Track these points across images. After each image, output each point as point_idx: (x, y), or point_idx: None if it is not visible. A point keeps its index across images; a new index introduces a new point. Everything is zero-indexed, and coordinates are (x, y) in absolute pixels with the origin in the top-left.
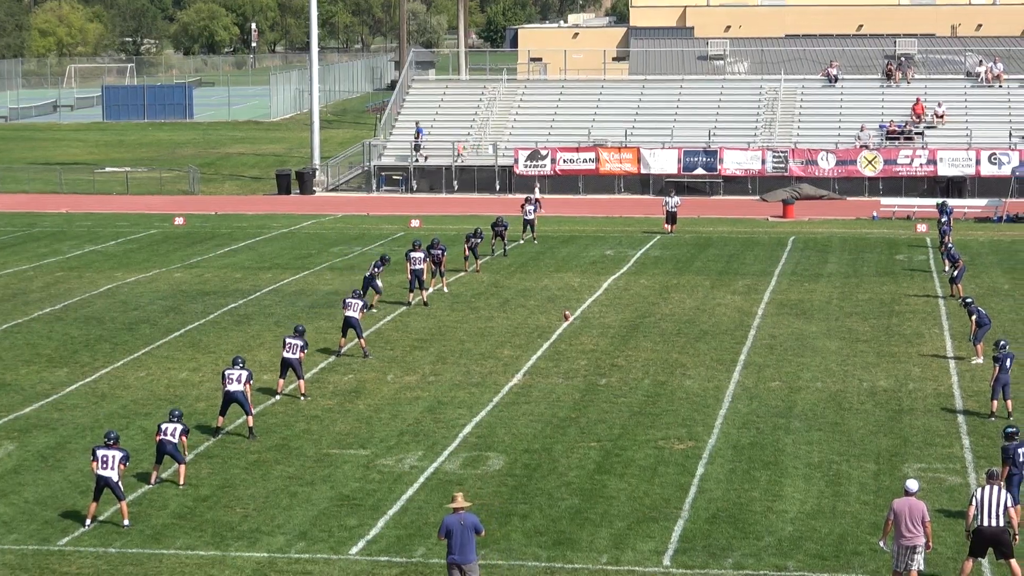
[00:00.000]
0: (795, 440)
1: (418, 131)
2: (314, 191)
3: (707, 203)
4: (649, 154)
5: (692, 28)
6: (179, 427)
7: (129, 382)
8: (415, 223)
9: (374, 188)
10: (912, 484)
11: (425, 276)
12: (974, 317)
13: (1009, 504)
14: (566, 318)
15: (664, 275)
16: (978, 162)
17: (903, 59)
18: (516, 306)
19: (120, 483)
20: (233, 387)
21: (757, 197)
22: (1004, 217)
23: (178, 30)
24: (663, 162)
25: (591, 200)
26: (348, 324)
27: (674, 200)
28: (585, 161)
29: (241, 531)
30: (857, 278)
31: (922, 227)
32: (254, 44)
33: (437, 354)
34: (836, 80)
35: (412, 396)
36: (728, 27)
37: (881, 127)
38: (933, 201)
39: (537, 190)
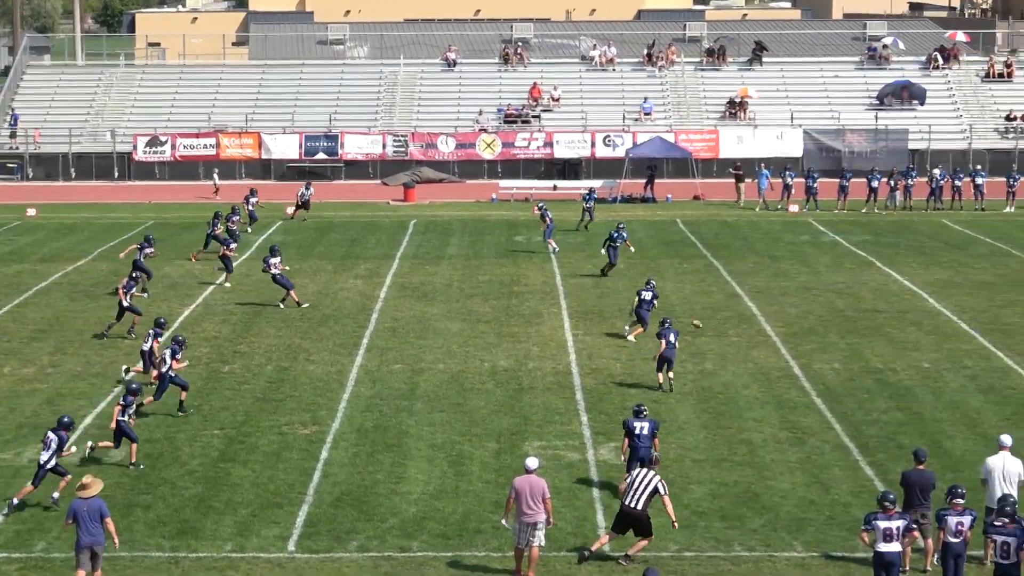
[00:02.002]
0: (418, 422)
1: (14, 118)
2: None
3: (329, 187)
4: (270, 139)
5: (312, 13)
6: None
7: None
8: (31, 212)
9: None
10: (532, 462)
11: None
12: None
13: (661, 491)
14: (696, 327)
15: (287, 260)
16: (593, 144)
17: (520, 43)
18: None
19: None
20: None
21: (378, 181)
22: (619, 198)
23: None
24: (284, 147)
25: (211, 186)
26: None
27: (309, 192)
28: (206, 147)
29: None
30: (478, 260)
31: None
32: None
33: (55, 345)
34: (455, 64)
35: (30, 388)
36: (348, 12)
37: (499, 110)
38: (550, 183)
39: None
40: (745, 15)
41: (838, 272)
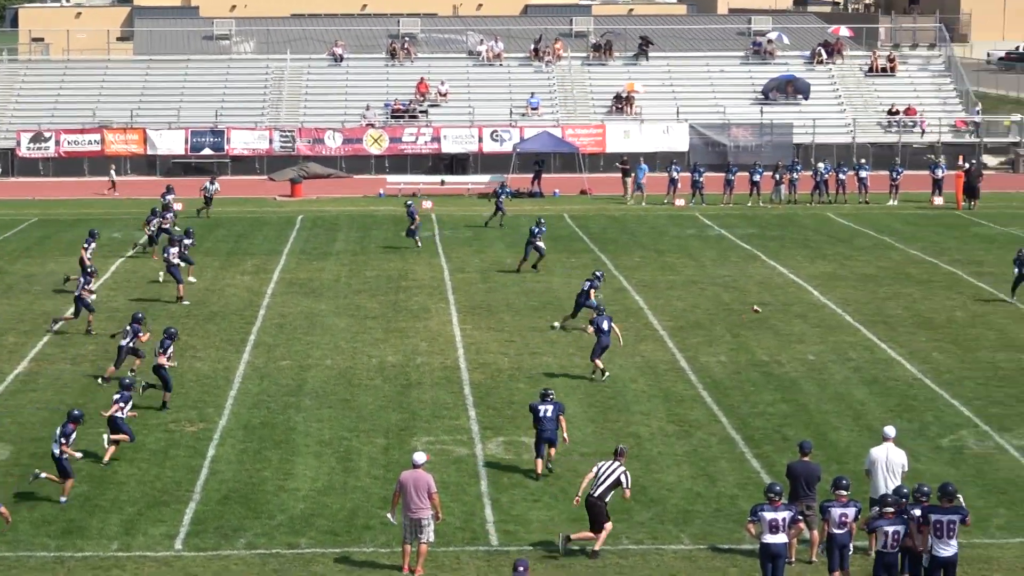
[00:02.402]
0: (306, 418)
1: None
2: None
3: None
4: (156, 135)
5: (197, 8)
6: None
7: None
8: None
9: None
10: (419, 456)
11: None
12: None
13: (623, 483)
14: (755, 311)
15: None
16: (481, 139)
17: (407, 38)
18: (20, 292)
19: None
20: None
21: (265, 176)
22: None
23: None
24: (170, 143)
25: (99, 182)
26: None
27: (214, 187)
28: (90, 143)
29: None
30: (365, 255)
31: (427, 203)
32: None
33: None
34: (341, 59)
35: None
36: (233, 7)
37: (386, 106)
38: (437, 178)
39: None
40: (631, 10)
41: (724, 265)
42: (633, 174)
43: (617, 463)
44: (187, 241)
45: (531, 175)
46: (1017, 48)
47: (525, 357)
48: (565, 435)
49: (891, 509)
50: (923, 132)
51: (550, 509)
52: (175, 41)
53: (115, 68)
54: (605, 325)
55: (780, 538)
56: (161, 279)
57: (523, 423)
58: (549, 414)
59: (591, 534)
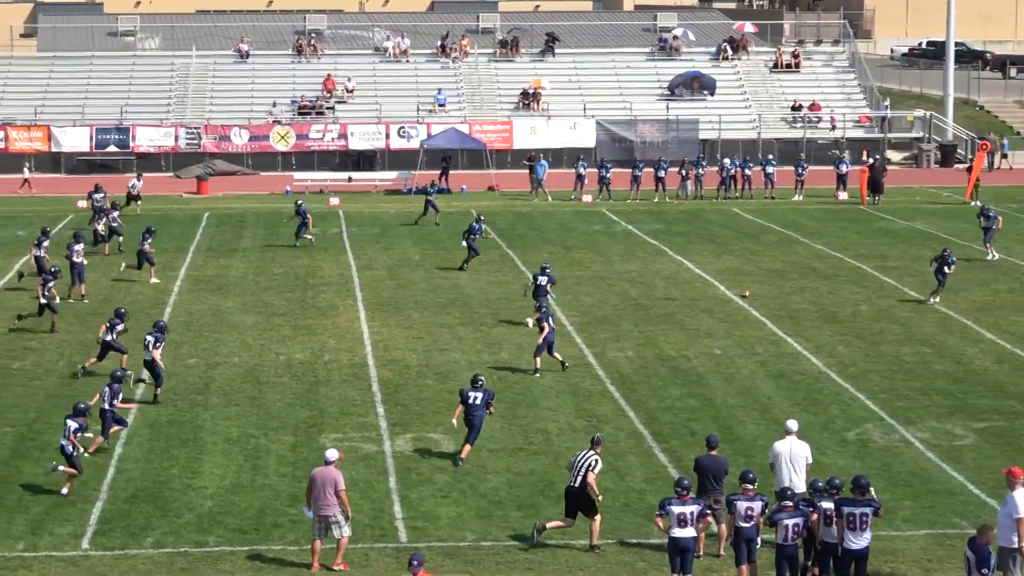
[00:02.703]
0: (213, 416)
1: None
2: None
3: (120, 180)
4: (60, 132)
5: (102, 4)
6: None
7: None
8: None
9: None
10: (330, 453)
11: None
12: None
13: (592, 467)
14: (745, 295)
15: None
16: (388, 136)
17: (313, 35)
18: None
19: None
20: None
21: (171, 174)
22: (414, 189)
23: None
24: (74, 140)
25: (4, 180)
26: None
27: (140, 183)
28: None
29: None
30: (272, 252)
31: (335, 200)
32: None
33: None
34: (247, 56)
35: None
36: (138, 3)
37: (293, 102)
38: (345, 175)
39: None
40: (538, 6)
41: (631, 261)
42: (533, 171)
43: (592, 452)
44: (149, 240)
45: (438, 171)
46: (920, 44)
47: (433, 353)
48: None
49: (790, 503)
50: (833, 127)
51: (459, 505)
52: (79, 38)
53: (18, 65)
54: (551, 321)
55: (688, 532)
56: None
57: (432, 419)
58: (478, 401)
59: (562, 523)
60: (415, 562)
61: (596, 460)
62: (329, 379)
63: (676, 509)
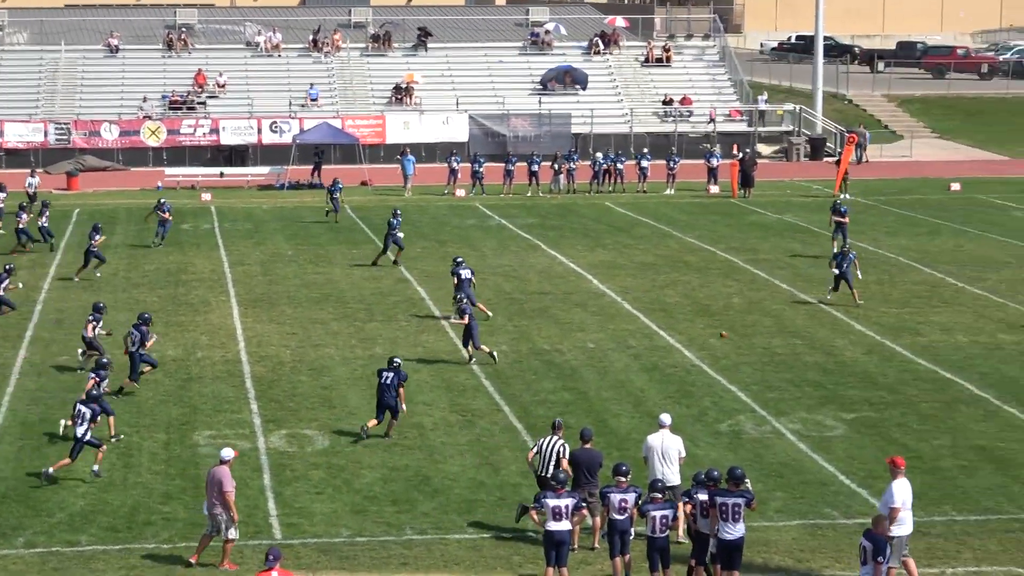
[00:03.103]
0: None
1: None
2: None
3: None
4: None
5: None
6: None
7: None
8: None
9: None
10: (224, 452)
11: None
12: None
13: (561, 454)
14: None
15: None
16: (260, 131)
17: (183, 29)
18: None
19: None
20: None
21: (40, 170)
22: (286, 184)
23: None
24: None
25: None
26: None
27: (36, 181)
28: None
29: None
30: (144, 249)
31: (207, 195)
32: None
33: None
34: (117, 51)
35: None
36: None
37: (164, 97)
38: (217, 170)
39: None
40: (410, 1)
41: (505, 255)
42: (401, 165)
43: (556, 437)
44: (98, 237)
45: (311, 166)
46: (789, 39)
47: (307, 349)
48: (403, 405)
49: (659, 495)
50: (712, 120)
51: (333, 501)
52: None
53: None
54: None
55: (564, 525)
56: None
57: (306, 415)
58: (389, 381)
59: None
60: (271, 557)
61: (564, 446)
62: (202, 376)
63: (551, 502)
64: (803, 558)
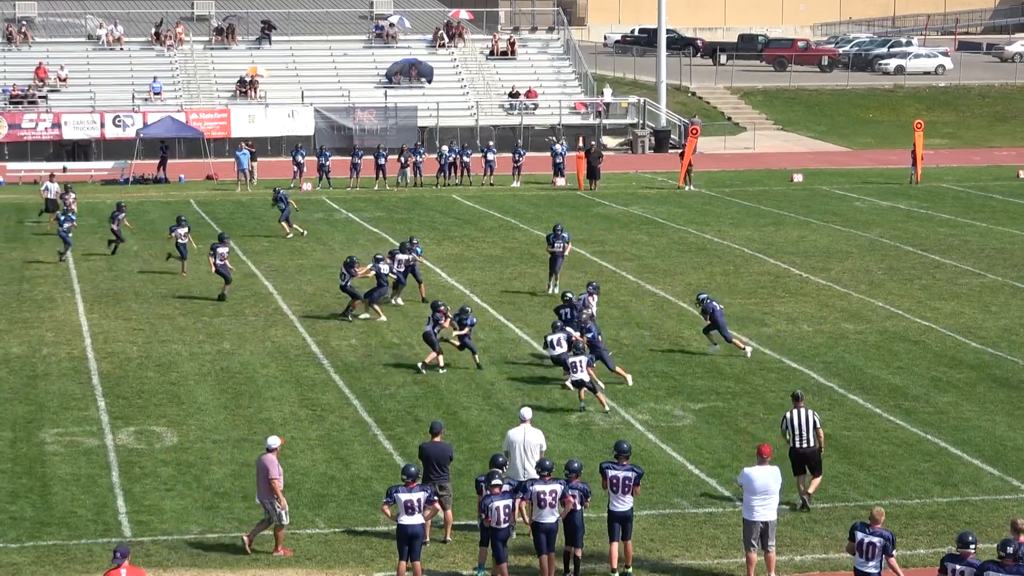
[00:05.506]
0: None
1: None
2: None
3: None
4: None
5: None
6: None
7: None
8: None
9: None
10: (271, 441)
11: None
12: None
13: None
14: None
15: None
16: (103, 125)
17: (24, 22)
18: None
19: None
20: None
21: None
22: (131, 179)
23: None
24: None
25: None
26: None
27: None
28: None
29: None
30: None
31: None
32: None
33: None
34: None
35: None
36: None
37: (4, 91)
38: (59, 165)
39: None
40: None
41: (352, 249)
42: (236, 159)
43: (804, 409)
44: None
45: (156, 161)
46: (633, 31)
47: (154, 345)
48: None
49: (498, 483)
50: (582, 113)
51: (184, 498)
52: None
53: None
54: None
55: (416, 519)
56: None
57: (154, 412)
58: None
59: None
60: (118, 554)
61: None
62: (48, 373)
63: (403, 496)
64: (653, 547)
